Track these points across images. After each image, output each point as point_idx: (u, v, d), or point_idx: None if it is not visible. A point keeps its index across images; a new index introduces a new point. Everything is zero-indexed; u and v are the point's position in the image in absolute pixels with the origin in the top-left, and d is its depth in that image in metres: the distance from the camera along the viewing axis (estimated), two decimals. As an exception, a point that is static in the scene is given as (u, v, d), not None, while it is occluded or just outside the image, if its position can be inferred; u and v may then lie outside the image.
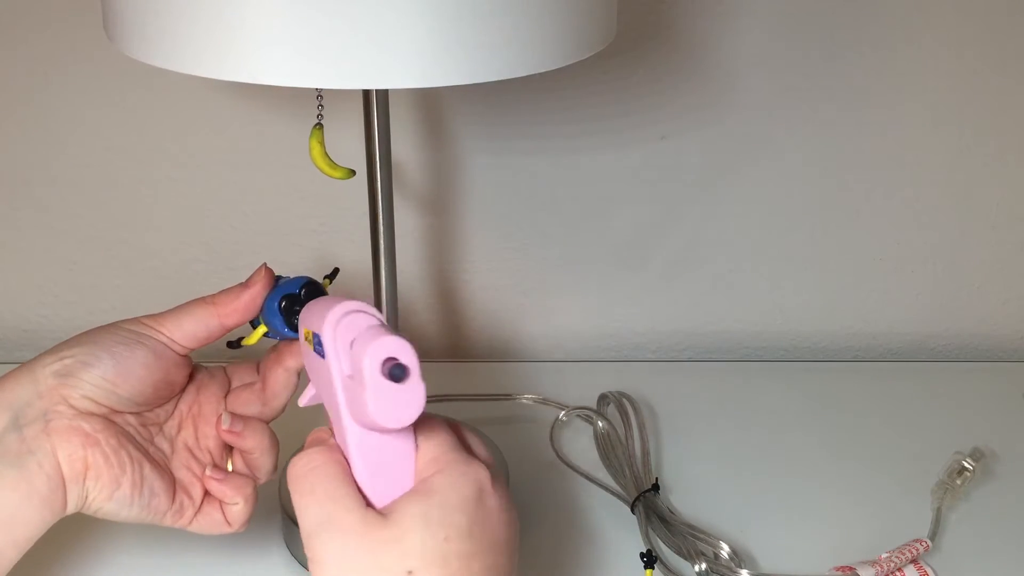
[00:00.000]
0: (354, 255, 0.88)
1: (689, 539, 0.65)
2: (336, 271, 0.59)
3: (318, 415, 0.51)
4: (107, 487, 0.52)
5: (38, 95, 0.83)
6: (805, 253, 0.91)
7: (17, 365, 0.53)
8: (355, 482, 0.45)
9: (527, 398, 0.82)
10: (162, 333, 0.55)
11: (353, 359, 0.44)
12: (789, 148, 0.87)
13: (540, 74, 0.50)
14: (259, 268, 0.56)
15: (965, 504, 0.71)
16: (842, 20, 0.82)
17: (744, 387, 0.86)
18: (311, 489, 0.45)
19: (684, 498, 0.71)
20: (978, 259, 0.91)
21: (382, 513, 0.44)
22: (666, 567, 0.65)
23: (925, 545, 0.66)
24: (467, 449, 0.48)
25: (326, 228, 0.88)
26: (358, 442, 0.45)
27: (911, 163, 0.87)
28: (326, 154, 0.59)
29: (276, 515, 0.68)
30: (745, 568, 0.63)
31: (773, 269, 0.91)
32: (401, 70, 0.47)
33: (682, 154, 0.86)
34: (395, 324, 0.60)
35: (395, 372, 0.42)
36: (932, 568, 0.65)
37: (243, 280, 0.57)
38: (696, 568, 0.63)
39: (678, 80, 0.84)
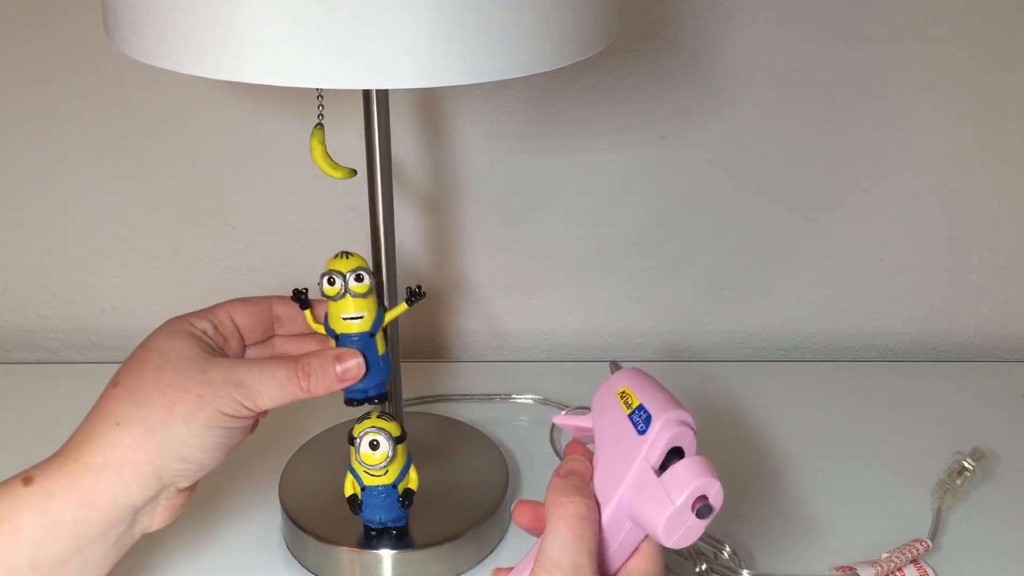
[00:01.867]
0: (354, 255, 0.88)
1: (689, 539, 0.65)
2: (423, 293, 0.61)
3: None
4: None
5: (38, 95, 0.83)
6: (805, 253, 0.91)
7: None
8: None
9: (527, 398, 0.83)
10: (256, 412, 0.57)
11: (673, 477, 0.47)
12: (789, 147, 0.87)
13: (540, 74, 0.50)
14: (357, 362, 0.59)
15: (965, 504, 0.71)
16: (842, 20, 0.82)
17: (744, 387, 0.86)
18: (580, 535, 0.47)
19: (684, 498, 0.71)
20: (978, 259, 0.91)
21: None
22: (666, 567, 0.64)
23: (925, 545, 0.66)
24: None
25: (326, 228, 0.88)
26: (613, 515, 0.48)
27: (911, 163, 0.87)
28: (327, 154, 0.59)
29: (276, 515, 0.68)
30: (745, 568, 0.63)
31: (773, 269, 0.91)
32: (401, 70, 0.47)
33: (682, 154, 0.86)
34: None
35: (703, 511, 0.46)
36: (932, 568, 0.65)
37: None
38: (696, 568, 0.63)
39: (678, 80, 0.84)
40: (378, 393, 0.61)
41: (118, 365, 0.89)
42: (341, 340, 0.60)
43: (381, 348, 0.60)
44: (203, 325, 0.59)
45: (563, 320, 0.93)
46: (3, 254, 0.89)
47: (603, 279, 0.91)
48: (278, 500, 0.67)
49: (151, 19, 0.49)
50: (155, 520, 0.57)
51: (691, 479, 0.46)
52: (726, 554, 0.64)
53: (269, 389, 0.56)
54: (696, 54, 0.83)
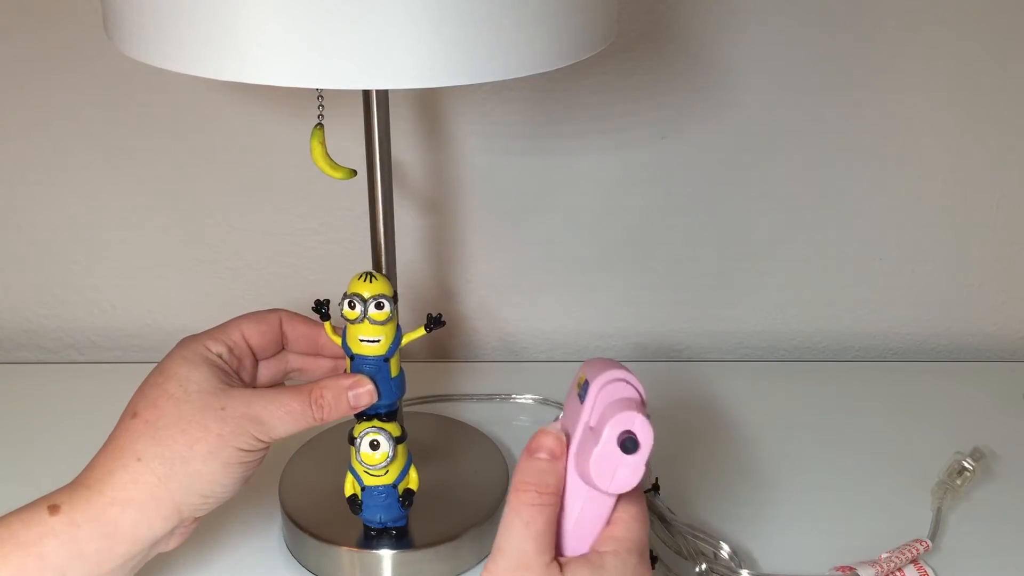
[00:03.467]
0: (354, 255, 0.88)
1: (689, 539, 0.65)
2: (443, 322, 0.61)
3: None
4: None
5: (38, 95, 0.83)
6: (805, 253, 0.91)
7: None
8: (559, 529, 0.49)
9: (527, 398, 0.83)
10: (270, 442, 0.57)
11: (600, 419, 0.48)
12: (789, 147, 0.87)
13: (540, 74, 0.50)
14: (369, 389, 0.59)
15: (965, 504, 0.71)
16: (842, 20, 0.82)
17: (744, 387, 0.86)
18: (528, 521, 0.48)
19: (684, 498, 0.71)
20: (978, 259, 0.91)
21: (560, 565, 0.48)
22: (666, 567, 0.65)
23: (925, 545, 0.66)
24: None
25: (326, 228, 0.88)
26: (571, 487, 0.49)
27: (911, 163, 0.87)
28: (327, 154, 0.59)
29: (276, 515, 0.68)
30: (745, 568, 0.63)
31: (773, 269, 0.91)
32: (401, 70, 0.47)
33: (682, 154, 0.86)
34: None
35: (627, 444, 0.46)
36: (932, 568, 0.65)
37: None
38: (696, 568, 0.63)
39: (678, 80, 0.84)
40: (388, 411, 0.61)
41: (118, 365, 0.90)
42: (356, 360, 0.60)
43: (395, 370, 0.61)
44: (218, 348, 0.59)
45: (563, 320, 0.93)
46: (3, 254, 0.89)
47: (603, 279, 0.91)
48: (278, 500, 0.67)
49: (151, 19, 0.49)
50: (169, 544, 0.58)
51: (611, 416, 0.46)
52: (726, 554, 0.64)
53: (285, 423, 0.57)
54: (696, 54, 0.83)
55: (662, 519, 0.67)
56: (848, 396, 0.85)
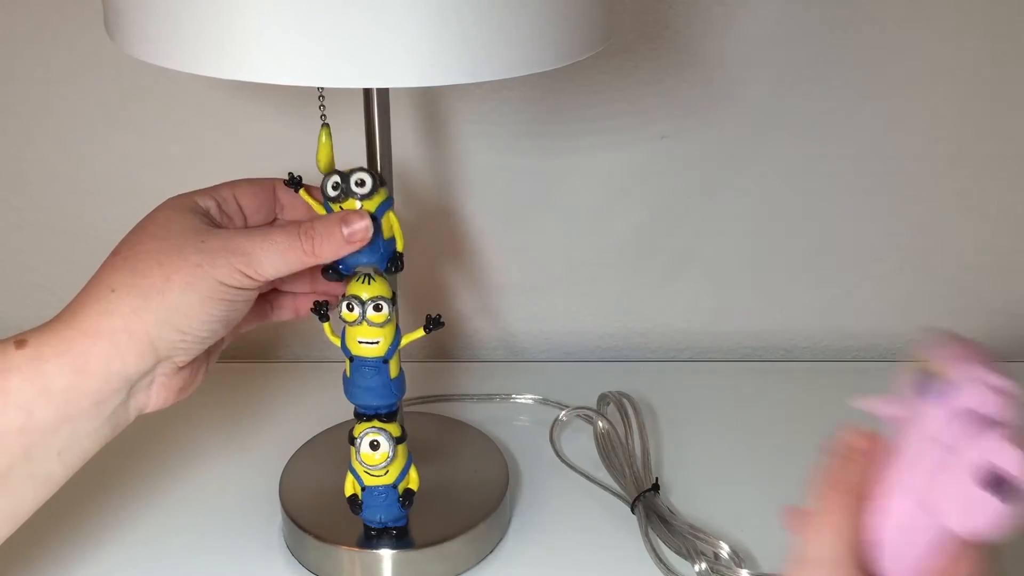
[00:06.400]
0: (354, 255, 0.88)
1: (689, 539, 0.65)
2: (442, 322, 0.59)
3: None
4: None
5: (38, 94, 0.83)
6: (805, 253, 0.91)
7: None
8: (873, 536, 0.42)
9: (527, 398, 0.83)
10: (259, 281, 0.54)
11: (958, 438, 0.39)
12: (789, 148, 0.87)
13: (540, 74, 0.50)
14: (365, 224, 0.55)
15: (965, 504, 0.71)
16: (842, 20, 0.82)
17: (744, 387, 0.86)
18: (840, 528, 0.44)
19: (684, 498, 0.71)
20: (977, 259, 0.91)
21: None
22: (666, 567, 0.65)
23: (926, 545, 0.65)
24: None
25: (326, 228, 0.88)
26: (900, 495, 0.42)
27: (911, 163, 0.87)
28: (331, 156, 0.59)
29: (276, 515, 0.68)
30: (745, 568, 0.63)
31: (773, 269, 0.91)
32: (401, 70, 0.47)
33: (682, 154, 0.86)
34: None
35: (997, 486, 0.37)
36: (932, 568, 0.65)
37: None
38: (696, 568, 0.63)
39: (678, 80, 0.84)
40: (388, 412, 0.61)
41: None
42: (355, 362, 0.60)
43: (394, 371, 0.60)
44: (207, 203, 0.57)
45: (563, 320, 0.93)
46: (3, 254, 0.89)
47: (603, 279, 0.91)
48: (278, 500, 0.67)
49: (152, 18, 0.49)
50: (151, 399, 0.55)
51: (977, 439, 0.38)
52: (726, 554, 0.64)
53: (270, 255, 0.53)
54: (696, 54, 0.83)
55: (662, 519, 0.67)
56: (848, 396, 0.85)
